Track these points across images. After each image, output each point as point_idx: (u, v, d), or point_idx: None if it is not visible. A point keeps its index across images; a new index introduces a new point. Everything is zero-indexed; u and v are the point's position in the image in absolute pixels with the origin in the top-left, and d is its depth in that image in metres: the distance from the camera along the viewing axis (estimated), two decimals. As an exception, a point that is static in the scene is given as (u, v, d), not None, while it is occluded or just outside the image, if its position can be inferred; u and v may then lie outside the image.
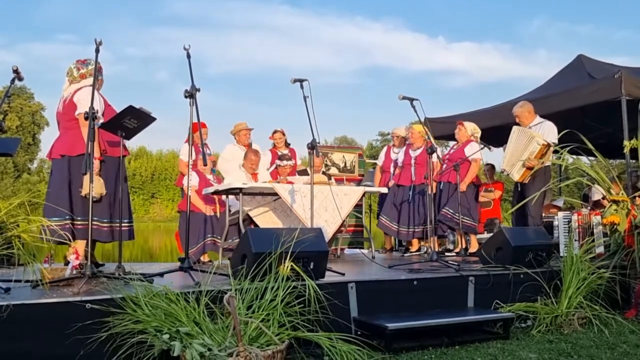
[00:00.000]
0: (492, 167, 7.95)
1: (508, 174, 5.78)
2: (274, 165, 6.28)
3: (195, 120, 3.65)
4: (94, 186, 3.53)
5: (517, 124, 5.84)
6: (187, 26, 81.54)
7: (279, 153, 6.46)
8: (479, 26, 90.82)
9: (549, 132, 5.61)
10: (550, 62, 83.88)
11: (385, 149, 7.06)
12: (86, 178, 3.77)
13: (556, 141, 5.57)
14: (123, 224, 4.17)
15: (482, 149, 5.94)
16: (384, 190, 6.21)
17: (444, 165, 6.01)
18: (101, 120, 4.00)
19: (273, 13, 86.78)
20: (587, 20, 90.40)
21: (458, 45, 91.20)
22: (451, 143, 7.15)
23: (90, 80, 4.22)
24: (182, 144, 5.93)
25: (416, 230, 6.21)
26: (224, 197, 5.46)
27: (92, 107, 3.46)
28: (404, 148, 6.56)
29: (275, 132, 6.59)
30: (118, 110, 4.03)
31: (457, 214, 5.76)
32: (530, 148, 5.44)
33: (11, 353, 2.60)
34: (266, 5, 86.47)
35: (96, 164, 3.92)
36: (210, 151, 5.94)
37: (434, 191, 6.07)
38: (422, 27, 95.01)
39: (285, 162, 6.20)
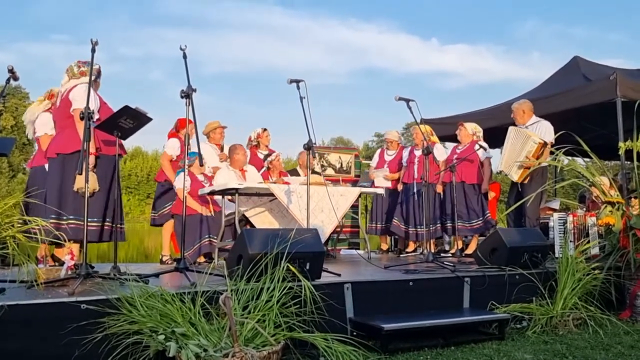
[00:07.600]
0: None
1: (506, 175, 5.81)
2: (265, 167, 6.27)
3: (192, 120, 3.66)
4: (88, 183, 3.50)
5: (514, 124, 5.88)
6: (182, 26, 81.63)
7: (259, 153, 6.44)
8: (472, 28, 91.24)
9: (545, 131, 5.67)
10: (544, 64, 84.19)
11: (379, 150, 7.11)
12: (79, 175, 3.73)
13: (552, 140, 5.60)
14: (118, 225, 4.14)
15: (479, 149, 5.97)
16: (380, 191, 6.22)
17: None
18: (96, 117, 3.95)
19: (267, 13, 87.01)
20: (581, 22, 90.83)
21: (452, 47, 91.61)
22: (447, 144, 7.16)
23: (87, 79, 4.19)
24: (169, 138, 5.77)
25: (419, 231, 6.22)
26: (217, 197, 5.44)
27: (87, 107, 3.44)
28: (409, 148, 6.67)
29: (264, 130, 6.59)
30: (114, 108, 4.00)
31: (475, 220, 6.10)
32: (527, 147, 5.54)
33: (6, 354, 2.58)
34: (260, 5, 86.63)
35: (91, 159, 3.84)
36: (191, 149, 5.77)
37: (439, 191, 6.15)
38: (415, 29, 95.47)
39: (272, 157, 6.24)
